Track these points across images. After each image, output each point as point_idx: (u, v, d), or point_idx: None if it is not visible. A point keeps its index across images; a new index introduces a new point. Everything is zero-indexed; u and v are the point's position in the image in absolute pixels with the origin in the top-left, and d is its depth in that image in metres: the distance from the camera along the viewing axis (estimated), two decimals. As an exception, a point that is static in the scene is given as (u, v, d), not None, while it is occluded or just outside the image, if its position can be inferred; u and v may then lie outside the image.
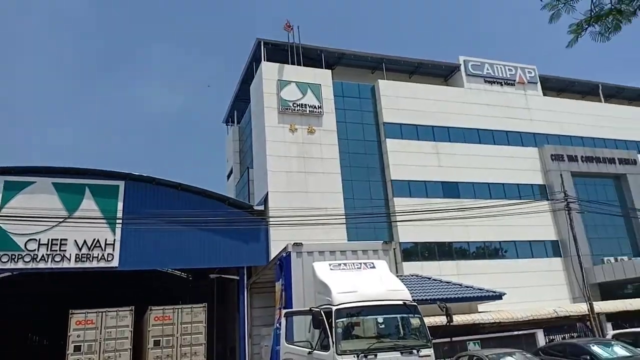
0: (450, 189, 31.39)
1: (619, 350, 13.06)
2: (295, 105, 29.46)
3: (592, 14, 5.06)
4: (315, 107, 29.81)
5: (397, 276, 21.26)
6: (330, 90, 30.91)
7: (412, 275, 25.86)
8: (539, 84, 37.70)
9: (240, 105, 36.12)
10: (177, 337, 20.14)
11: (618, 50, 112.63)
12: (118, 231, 22.09)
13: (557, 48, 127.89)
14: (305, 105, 29.65)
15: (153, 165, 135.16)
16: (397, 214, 28.31)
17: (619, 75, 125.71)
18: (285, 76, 29.98)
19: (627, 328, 20.38)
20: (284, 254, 11.36)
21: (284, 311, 10.29)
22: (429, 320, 15.26)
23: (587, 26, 5.09)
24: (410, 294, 14.29)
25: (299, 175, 28.22)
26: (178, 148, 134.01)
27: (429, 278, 24.64)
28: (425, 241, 29.59)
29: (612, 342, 14.10)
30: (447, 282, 24.00)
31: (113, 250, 21.73)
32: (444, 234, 29.71)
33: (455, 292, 22.33)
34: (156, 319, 20.13)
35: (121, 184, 22.86)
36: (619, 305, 24.20)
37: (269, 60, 30.70)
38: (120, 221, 22.17)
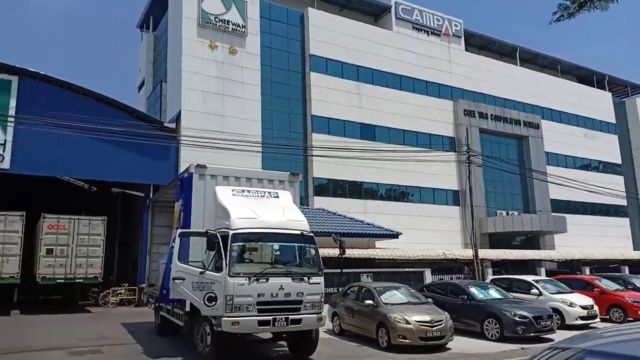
0: (367, 131, 31.92)
1: (493, 293, 14.37)
2: (217, 20, 27.61)
3: None
4: (239, 25, 28.17)
5: (305, 209, 21.72)
6: (256, 9, 29.27)
7: (319, 209, 26.50)
8: (462, 38, 38.48)
9: (158, 11, 33.02)
10: (72, 248, 19.76)
11: (541, 15, 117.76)
12: (10, 130, 20.64)
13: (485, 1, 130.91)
14: (228, 21, 27.89)
15: (56, 68, 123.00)
16: (314, 149, 28.41)
17: (537, 41, 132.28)
18: (209, -14, 27.78)
19: (504, 274, 22.63)
20: (186, 175, 10.92)
21: (179, 231, 10.04)
22: (327, 252, 15.78)
23: None
24: (313, 226, 14.61)
25: (216, 97, 27.05)
26: (85, 52, 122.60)
27: (334, 213, 25.39)
28: (338, 179, 30.24)
29: (489, 286, 15.44)
30: (351, 219, 24.93)
31: (3, 151, 20.58)
32: (356, 174, 30.49)
33: (356, 228, 23.31)
34: (50, 227, 19.68)
35: (14, 79, 21.22)
36: (500, 254, 26.74)
37: (192, -35, 28.15)
38: (12, 120, 20.49)
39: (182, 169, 22.31)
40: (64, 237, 19.54)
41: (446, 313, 11.84)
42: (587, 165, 43.11)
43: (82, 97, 22.29)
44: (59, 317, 17.59)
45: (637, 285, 18.73)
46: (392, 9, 35.42)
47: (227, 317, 8.73)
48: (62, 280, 19.49)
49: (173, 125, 25.73)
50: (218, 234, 9.22)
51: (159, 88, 30.69)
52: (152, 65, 34.44)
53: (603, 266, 30.16)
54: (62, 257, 19.42)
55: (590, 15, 5.14)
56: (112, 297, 21.38)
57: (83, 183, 30.78)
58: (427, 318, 11.28)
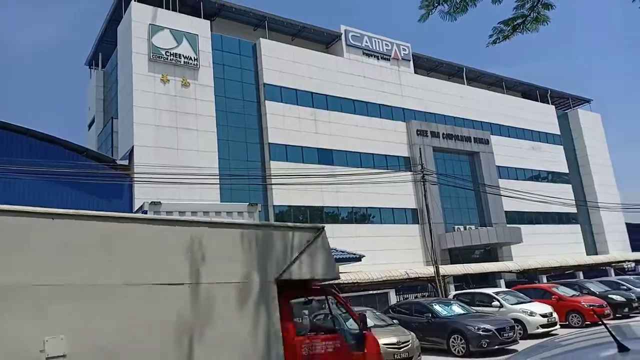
0: (325, 156, 32.22)
1: (457, 308, 14.60)
2: (168, 54, 27.52)
3: None
4: (190, 58, 28.16)
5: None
6: (208, 42, 29.39)
7: (281, 238, 26.29)
8: (411, 61, 39.80)
9: (107, 48, 32.68)
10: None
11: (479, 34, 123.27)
12: (-52, 177, 19.46)
13: (432, 24, 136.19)
14: (179, 55, 27.85)
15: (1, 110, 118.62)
16: (272, 177, 28.38)
17: (481, 59, 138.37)
18: (158, 21, 27.73)
19: (466, 289, 23.01)
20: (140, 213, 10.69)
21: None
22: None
23: (437, 4, 5.20)
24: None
25: (170, 130, 26.72)
26: (32, 90, 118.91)
27: (297, 241, 25.22)
28: (298, 205, 30.19)
29: (452, 302, 15.66)
30: (314, 245, 24.79)
31: (-62, 199, 19.23)
32: (316, 199, 30.59)
33: (320, 255, 23.16)
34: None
35: (-47, 123, 20.06)
36: (461, 269, 27.20)
37: (140, 1, 28.11)
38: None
39: (136, 207, 21.86)
40: None
41: (412, 333, 11.91)
42: (537, 176, 44.92)
43: (29, 139, 21.58)
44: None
45: (592, 290, 19.48)
46: (342, 36, 36.33)
47: None
48: None
49: (126, 162, 25.16)
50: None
51: (110, 125, 30.05)
52: (102, 102, 33.79)
53: (559, 273, 31.24)
54: None
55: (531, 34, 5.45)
56: None
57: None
58: (394, 340, 11.30)
